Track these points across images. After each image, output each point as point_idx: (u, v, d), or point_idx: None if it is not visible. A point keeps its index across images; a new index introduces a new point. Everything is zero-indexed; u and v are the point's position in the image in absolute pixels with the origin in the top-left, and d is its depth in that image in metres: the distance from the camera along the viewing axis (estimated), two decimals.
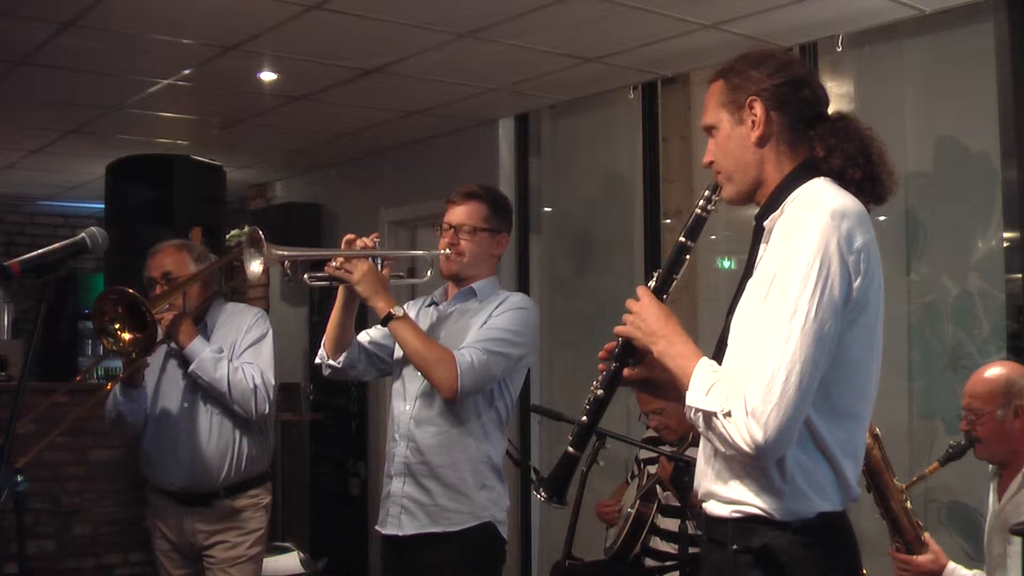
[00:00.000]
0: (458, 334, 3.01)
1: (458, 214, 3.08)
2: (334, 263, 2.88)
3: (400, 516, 3.00)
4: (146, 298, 3.31)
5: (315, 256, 3.09)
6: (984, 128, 3.81)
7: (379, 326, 3.04)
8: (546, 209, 5.78)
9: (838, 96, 4.35)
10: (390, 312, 2.87)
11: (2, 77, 4.72)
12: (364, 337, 3.13)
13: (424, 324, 3.12)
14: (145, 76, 4.80)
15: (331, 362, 3.07)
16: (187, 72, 4.71)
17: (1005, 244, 3.76)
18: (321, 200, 7.15)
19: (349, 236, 2.95)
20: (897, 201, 3.98)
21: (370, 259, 2.91)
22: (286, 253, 2.88)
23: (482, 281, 3.10)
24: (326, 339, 3.07)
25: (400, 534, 3.00)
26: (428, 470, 2.97)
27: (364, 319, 3.30)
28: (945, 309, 3.96)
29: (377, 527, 3.10)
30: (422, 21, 4.02)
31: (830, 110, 2.02)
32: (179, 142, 6.19)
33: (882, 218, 4.02)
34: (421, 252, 3.19)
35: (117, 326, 3.24)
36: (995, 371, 2.97)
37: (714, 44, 4.18)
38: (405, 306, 3.25)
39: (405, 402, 3.06)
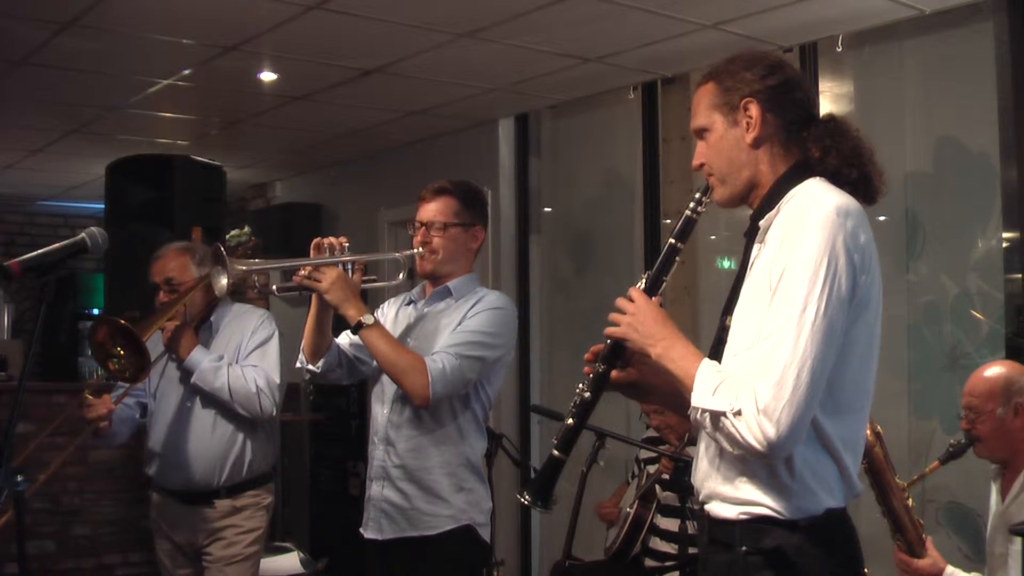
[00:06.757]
0: (434, 335, 2.98)
1: (429, 211, 3.03)
2: (303, 272, 2.83)
3: (380, 520, 2.98)
4: (143, 313, 3.38)
5: (281, 267, 3.02)
6: (984, 128, 3.81)
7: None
8: (546, 209, 5.78)
9: (838, 96, 4.35)
10: (360, 320, 2.82)
11: (2, 77, 4.72)
12: (344, 340, 3.09)
13: (402, 323, 3.11)
14: (145, 76, 4.80)
15: (310, 367, 3.03)
16: (187, 72, 4.71)
17: (1004, 244, 3.76)
18: (321, 200, 7.16)
19: (317, 240, 2.92)
20: (897, 201, 3.99)
21: (340, 265, 2.86)
22: (247, 268, 2.85)
23: (458, 279, 3.06)
24: (304, 344, 3.02)
25: (380, 539, 2.98)
26: (405, 474, 2.95)
27: (344, 321, 3.28)
28: (944, 309, 3.96)
29: (360, 530, 3.08)
30: (422, 21, 4.02)
31: (826, 111, 2.02)
32: (179, 142, 6.19)
33: (882, 218, 4.03)
34: (394, 254, 3.10)
35: (118, 348, 3.30)
36: (995, 370, 2.98)
37: (714, 44, 4.18)
38: (384, 304, 3.24)
39: (383, 405, 3.04)
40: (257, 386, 3.46)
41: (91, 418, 3.42)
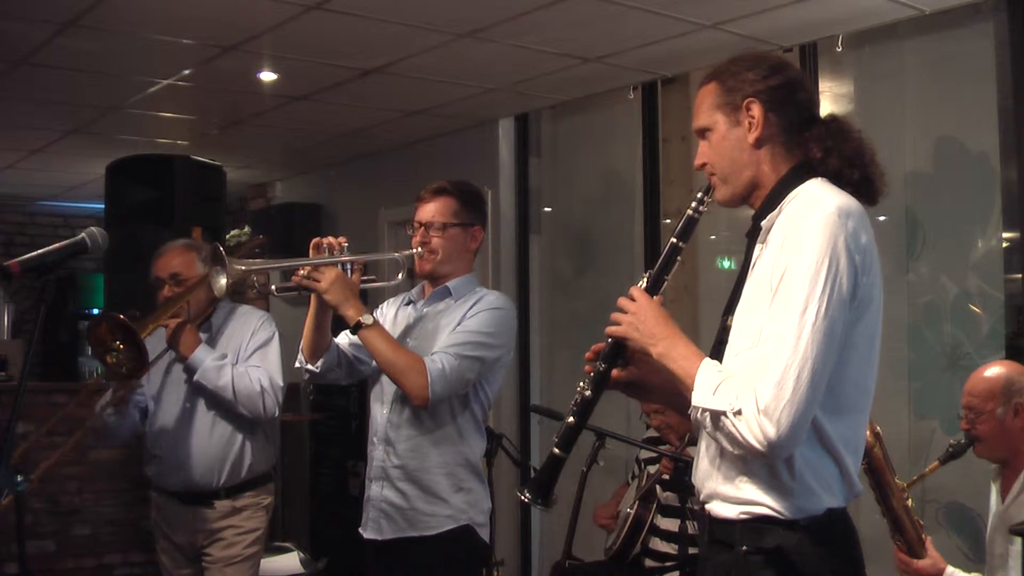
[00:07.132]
0: (433, 335, 2.98)
1: (428, 211, 3.03)
2: (302, 272, 2.82)
3: (380, 521, 2.97)
4: (144, 313, 3.37)
5: (281, 267, 3.01)
6: (984, 128, 3.81)
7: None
8: (546, 209, 5.78)
9: (838, 96, 4.35)
10: (359, 321, 2.82)
11: (2, 77, 4.72)
12: (343, 340, 3.08)
13: (402, 323, 3.10)
14: (145, 76, 4.80)
15: (309, 367, 3.03)
16: (187, 72, 4.71)
17: (1004, 244, 3.77)
18: (321, 200, 7.16)
19: (316, 240, 2.91)
20: (897, 201, 4.00)
21: (339, 265, 2.85)
22: (246, 268, 2.83)
23: (458, 279, 3.06)
24: (303, 344, 3.01)
25: (379, 539, 2.97)
26: (404, 474, 2.95)
27: (343, 321, 3.28)
28: (944, 309, 3.96)
29: (360, 530, 3.07)
30: (422, 21, 4.02)
31: (826, 111, 2.02)
32: (179, 142, 6.19)
33: (882, 218, 4.03)
34: (393, 254, 3.09)
35: (118, 343, 3.29)
36: (995, 370, 2.98)
37: (714, 44, 4.18)
38: (383, 304, 3.24)
39: (382, 405, 3.03)
40: (262, 386, 3.45)
41: (116, 391, 3.42)
